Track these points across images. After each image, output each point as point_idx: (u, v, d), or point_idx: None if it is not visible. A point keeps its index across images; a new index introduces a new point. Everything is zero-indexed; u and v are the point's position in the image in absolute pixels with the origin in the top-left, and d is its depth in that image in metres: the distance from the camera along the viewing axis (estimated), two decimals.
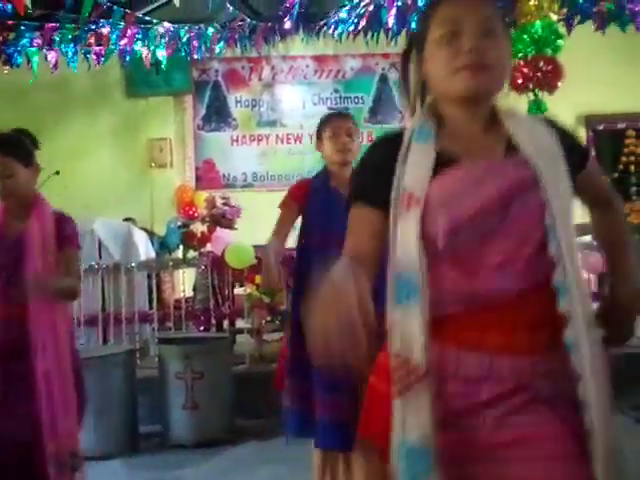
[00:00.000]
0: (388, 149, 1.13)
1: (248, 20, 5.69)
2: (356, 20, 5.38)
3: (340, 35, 5.65)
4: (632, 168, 6.53)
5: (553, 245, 1.03)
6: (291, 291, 2.35)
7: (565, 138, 1.14)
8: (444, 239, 1.04)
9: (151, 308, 4.65)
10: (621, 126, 7.01)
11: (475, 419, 1.03)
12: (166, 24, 5.54)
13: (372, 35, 5.67)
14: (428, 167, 1.07)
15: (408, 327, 1.02)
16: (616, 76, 6.82)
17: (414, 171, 1.08)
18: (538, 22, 4.65)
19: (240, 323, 4.77)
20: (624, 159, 6.56)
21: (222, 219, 5.29)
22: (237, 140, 7.56)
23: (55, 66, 5.19)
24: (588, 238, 5.08)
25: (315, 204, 2.34)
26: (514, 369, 1.03)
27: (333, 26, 5.61)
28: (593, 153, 6.02)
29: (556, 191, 1.05)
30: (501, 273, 1.03)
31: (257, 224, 6.02)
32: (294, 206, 2.40)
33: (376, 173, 1.13)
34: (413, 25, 5.40)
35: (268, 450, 3.48)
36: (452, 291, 1.05)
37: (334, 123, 2.39)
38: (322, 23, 5.65)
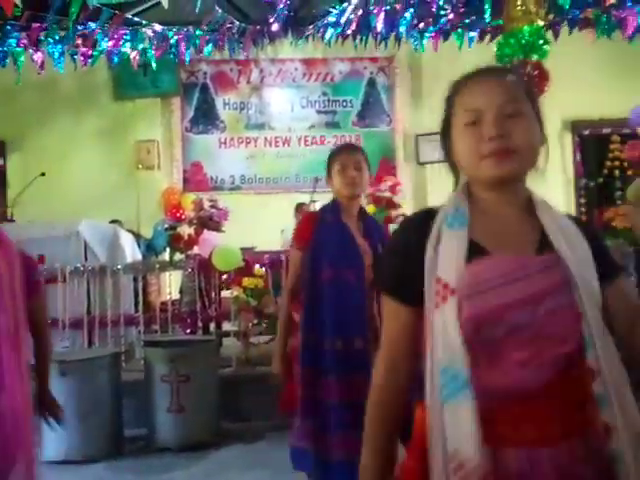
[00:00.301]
0: (419, 233, 1.09)
1: (237, 23, 5.69)
2: (345, 24, 5.40)
3: (329, 39, 5.67)
4: (617, 173, 6.60)
5: (591, 355, 1.01)
6: (302, 329, 2.32)
7: (598, 245, 1.11)
8: (467, 332, 1.01)
9: (137, 311, 4.62)
10: (606, 131, 7.07)
11: None
12: (155, 26, 5.53)
13: (361, 39, 5.70)
14: (462, 256, 1.03)
15: (459, 427, 0.97)
16: (602, 82, 6.89)
17: (448, 260, 1.04)
18: (525, 27, 4.69)
19: (227, 326, 4.76)
20: (609, 164, 6.62)
21: (209, 222, 5.27)
22: (225, 142, 7.55)
23: (41, 66, 5.16)
24: None
25: (326, 238, 2.31)
26: (553, 460, 1.00)
27: (322, 30, 5.63)
28: (579, 159, 6.03)
29: (591, 298, 1.02)
30: (526, 368, 1.00)
31: (245, 227, 6.05)
32: (303, 249, 2.37)
33: (408, 261, 1.09)
34: (401, 30, 5.44)
35: (253, 454, 3.48)
36: (482, 386, 1.01)
37: (343, 156, 2.38)
38: (311, 27, 5.67)
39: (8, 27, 4.83)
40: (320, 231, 2.33)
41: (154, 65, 5.62)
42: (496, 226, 1.09)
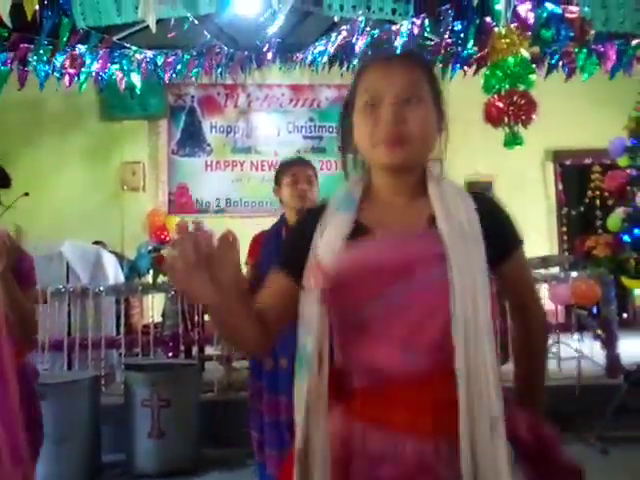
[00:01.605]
0: (315, 217, 1.13)
1: (225, 48, 5.74)
2: (331, 51, 5.48)
3: (316, 65, 5.74)
4: (597, 202, 6.71)
5: (455, 328, 0.98)
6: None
7: (495, 220, 1.10)
8: (343, 310, 1.05)
9: (118, 333, 4.57)
10: (587, 161, 7.21)
11: None
12: (144, 50, 5.56)
13: (347, 67, 5.77)
14: (342, 237, 1.06)
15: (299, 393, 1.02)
16: (583, 113, 7.05)
17: (327, 241, 1.07)
18: (510, 58, 4.79)
19: (209, 350, 4.72)
20: (590, 193, 6.74)
21: None
22: (211, 165, 7.57)
23: (22, 83, 5.13)
24: (555, 270, 5.18)
25: (266, 256, 2.32)
26: (417, 451, 0.98)
27: (309, 56, 5.70)
28: (560, 187, 6.14)
29: (463, 271, 0.99)
30: (405, 351, 1.00)
31: None
32: (252, 267, 2.47)
33: (297, 241, 1.14)
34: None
35: None
36: (359, 364, 1.04)
37: (294, 169, 2.41)
38: (298, 53, 5.74)
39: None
40: (264, 250, 2.40)
41: (138, 88, 5.64)
42: (386, 208, 1.11)
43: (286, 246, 1.27)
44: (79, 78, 5.38)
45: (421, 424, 0.98)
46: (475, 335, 0.98)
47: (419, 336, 1.00)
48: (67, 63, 5.30)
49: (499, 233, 1.08)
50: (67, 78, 5.40)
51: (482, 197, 1.11)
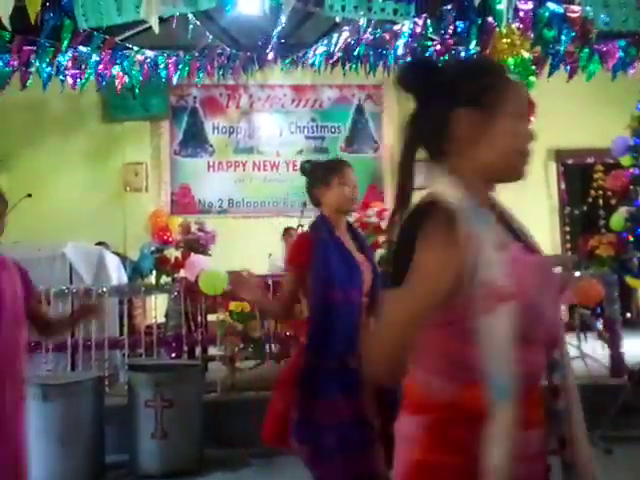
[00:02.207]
0: (454, 233, 1.01)
1: (227, 49, 5.75)
2: (334, 52, 5.48)
3: (318, 66, 5.75)
4: (600, 202, 6.69)
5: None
6: (309, 352, 2.21)
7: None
8: (522, 325, 1.01)
9: (122, 334, 4.57)
10: (590, 161, 7.20)
11: None
12: (146, 51, 5.57)
13: (350, 67, 5.78)
14: (502, 258, 1.01)
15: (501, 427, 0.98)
16: (585, 112, 7.04)
17: (489, 259, 0.99)
18: (511, 59, 4.79)
19: (213, 350, 4.71)
20: (593, 193, 6.73)
21: (196, 245, 5.25)
22: (213, 166, 7.57)
23: (24, 84, 5.14)
24: (558, 270, 5.17)
25: (329, 257, 2.21)
26: (537, 443, 1.07)
27: (311, 57, 5.71)
28: (563, 187, 6.12)
29: None
30: (544, 354, 1.10)
31: (232, 250, 6.03)
32: (299, 271, 2.24)
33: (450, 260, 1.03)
34: (390, 60, 5.52)
35: None
36: (524, 372, 1.02)
37: (347, 171, 2.32)
38: (300, 54, 5.74)
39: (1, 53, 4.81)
40: (319, 250, 2.21)
41: (137, 90, 5.65)
42: (504, 222, 1.13)
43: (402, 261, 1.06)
44: (82, 79, 5.39)
45: (538, 418, 1.07)
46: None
47: (550, 342, 1.11)
48: (69, 64, 5.31)
49: None
50: (70, 80, 5.41)
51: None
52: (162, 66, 5.68)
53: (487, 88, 1.09)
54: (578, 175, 7.54)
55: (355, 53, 5.51)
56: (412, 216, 1.07)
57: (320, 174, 2.33)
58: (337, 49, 5.46)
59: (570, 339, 4.59)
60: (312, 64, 5.70)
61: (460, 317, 1.02)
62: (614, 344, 4.38)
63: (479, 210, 1.03)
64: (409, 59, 5.24)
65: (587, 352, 4.47)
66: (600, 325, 4.66)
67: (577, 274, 4.58)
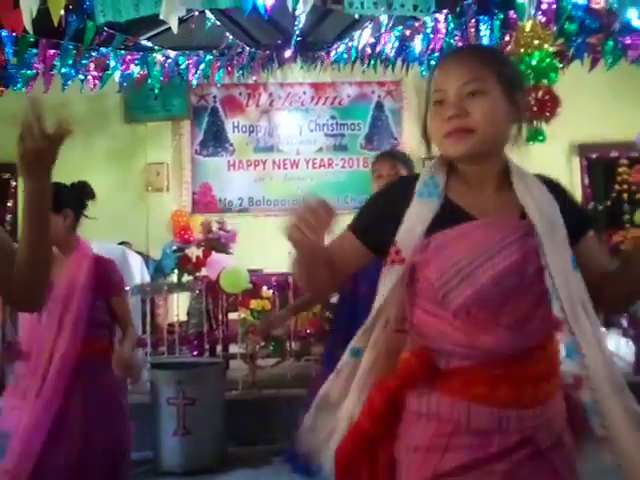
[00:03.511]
0: (398, 195, 1.19)
1: (247, 48, 5.76)
2: (359, 49, 5.45)
3: (337, 63, 5.73)
4: (625, 196, 6.58)
5: (555, 306, 1.08)
6: (331, 342, 2.27)
7: (568, 203, 1.18)
8: (462, 302, 1.07)
9: (144, 332, 4.62)
10: (614, 155, 7.07)
11: (482, 473, 1.04)
12: (167, 51, 5.61)
13: (369, 64, 5.75)
14: (423, 226, 1.12)
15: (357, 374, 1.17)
16: (609, 106, 6.91)
17: (408, 228, 1.13)
18: (536, 53, 4.72)
19: (234, 348, 4.74)
20: (617, 187, 6.61)
21: (217, 243, 5.28)
22: (234, 165, 7.60)
23: (47, 87, 5.21)
24: None
25: None
26: (519, 422, 1.06)
27: (331, 54, 5.69)
28: (587, 182, 6.01)
29: (556, 256, 1.08)
30: (514, 332, 1.07)
31: (252, 249, 6.05)
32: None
33: (379, 208, 1.23)
34: (410, 57, 5.49)
35: (259, 478, 3.44)
36: (464, 346, 1.08)
37: (379, 163, 2.41)
38: (321, 52, 5.73)
39: (26, 55, 4.88)
40: None
41: (156, 89, 5.68)
42: (477, 195, 1.14)
43: (367, 211, 1.27)
44: (103, 81, 5.45)
45: (523, 398, 1.07)
46: (574, 312, 1.06)
47: (527, 320, 1.09)
48: (91, 66, 5.37)
49: (572, 216, 1.15)
50: (91, 81, 5.47)
51: (550, 181, 1.20)
52: (183, 66, 5.71)
53: (428, 83, 1.20)
54: (602, 169, 7.41)
55: (377, 50, 5.48)
56: None
57: (409, 165, 2.42)
58: (360, 46, 5.42)
59: None
60: (334, 61, 5.68)
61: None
62: (638, 341, 4.31)
63: (430, 182, 1.15)
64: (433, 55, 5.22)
65: (611, 349, 4.40)
66: (625, 322, 4.59)
67: None
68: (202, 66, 5.78)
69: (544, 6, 4.43)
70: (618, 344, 4.48)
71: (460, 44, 5.29)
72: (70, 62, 5.07)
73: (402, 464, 1.09)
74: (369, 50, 5.48)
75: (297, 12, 4.60)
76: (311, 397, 2.22)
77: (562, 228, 1.12)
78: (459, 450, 1.05)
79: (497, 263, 1.07)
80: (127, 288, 4.48)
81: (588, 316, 1.07)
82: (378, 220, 1.19)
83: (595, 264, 1.19)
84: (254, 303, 4.30)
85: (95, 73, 5.39)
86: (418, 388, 1.09)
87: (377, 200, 1.28)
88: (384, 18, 5.07)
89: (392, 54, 5.51)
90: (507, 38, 4.87)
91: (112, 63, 5.36)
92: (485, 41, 5.09)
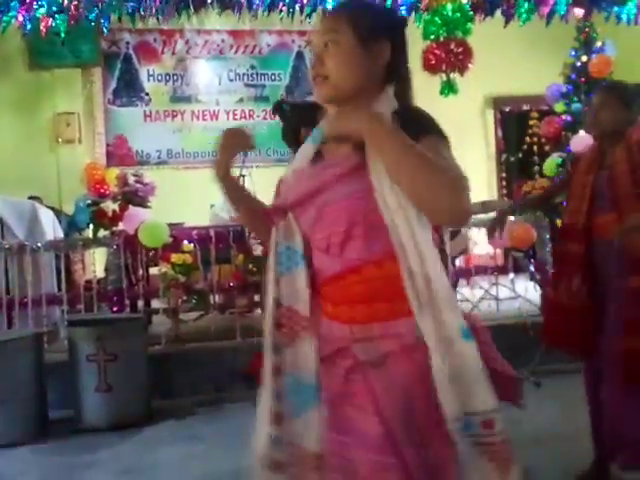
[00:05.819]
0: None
1: None
2: None
3: (255, 10, 5.56)
4: (535, 148, 6.89)
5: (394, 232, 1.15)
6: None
7: (409, 115, 1.24)
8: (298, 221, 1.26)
9: (60, 290, 4.47)
10: (526, 108, 7.35)
11: (331, 368, 1.23)
12: None
13: (287, 12, 5.62)
14: (294, 167, 1.28)
15: (295, 288, 1.25)
16: (522, 60, 7.14)
17: (292, 167, 1.30)
18: (449, 5, 4.77)
19: (156, 303, 4.69)
20: (528, 139, 6.91)
21: (135, 197, 5.12)
22: (150, 116, 7.34)
23: None
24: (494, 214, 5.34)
25: None
26: (338, 334, 1.22)
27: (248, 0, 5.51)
28: (500, 134, 6.21)
29: (380, 180, 1.14)
30: (327, 256, 1.22)
31: (172, 202, 5.93)
32: None
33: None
34: (328, 4, 5.41)
35: (185, 429, 3.48)
36: (316, 270, 1.26)
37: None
38: None
39: None
40: None
41: (62, 34, 5.34)
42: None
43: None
44: (1, 23, 5.06)
45: (340, 314, 1.23)
46: (401, 236, 1.14)
47: (331, 245, 1.21)
48: None
49: (410, 124, 1.19)
50: None
51: (406, 107, 1.28)
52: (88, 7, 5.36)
53: None
54: (514, 122, 7.71)
55: None
56: None
57: (307, 115, 2.33)
58: None
59: (504, 281, 4.80)
60: (248, 7, 5.51)
61: None
62: (544, 284, 4.60)
63: (317, 130, 1.25)
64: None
65: (520, 292, 4.68)
66: (532, 267, 4.88)
67: (511, 219, 4.73)
68: (111, 9, 5.45)
69: None
70: (527, 288, 4.76)
71: None
72: None
73: None
74: None
75: None
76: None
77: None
78: (324, 346, 1.24)
79: (298, 188, 1.25)
80: (39, 244, 4.32)
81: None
82: None
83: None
84: (175, 257, 4.24)
85: None
86: None
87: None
88: None
89: (309, 3, 5.41)
90: None
91: (13, 4, 4.97)
92: None
